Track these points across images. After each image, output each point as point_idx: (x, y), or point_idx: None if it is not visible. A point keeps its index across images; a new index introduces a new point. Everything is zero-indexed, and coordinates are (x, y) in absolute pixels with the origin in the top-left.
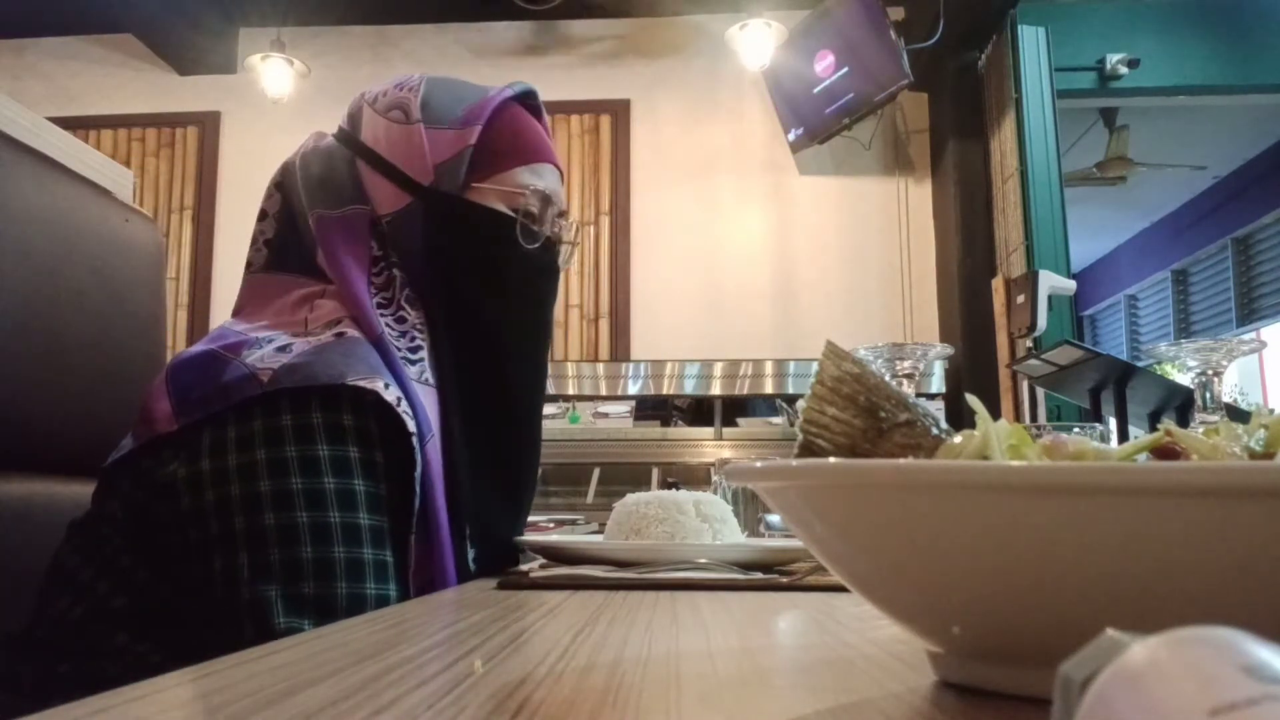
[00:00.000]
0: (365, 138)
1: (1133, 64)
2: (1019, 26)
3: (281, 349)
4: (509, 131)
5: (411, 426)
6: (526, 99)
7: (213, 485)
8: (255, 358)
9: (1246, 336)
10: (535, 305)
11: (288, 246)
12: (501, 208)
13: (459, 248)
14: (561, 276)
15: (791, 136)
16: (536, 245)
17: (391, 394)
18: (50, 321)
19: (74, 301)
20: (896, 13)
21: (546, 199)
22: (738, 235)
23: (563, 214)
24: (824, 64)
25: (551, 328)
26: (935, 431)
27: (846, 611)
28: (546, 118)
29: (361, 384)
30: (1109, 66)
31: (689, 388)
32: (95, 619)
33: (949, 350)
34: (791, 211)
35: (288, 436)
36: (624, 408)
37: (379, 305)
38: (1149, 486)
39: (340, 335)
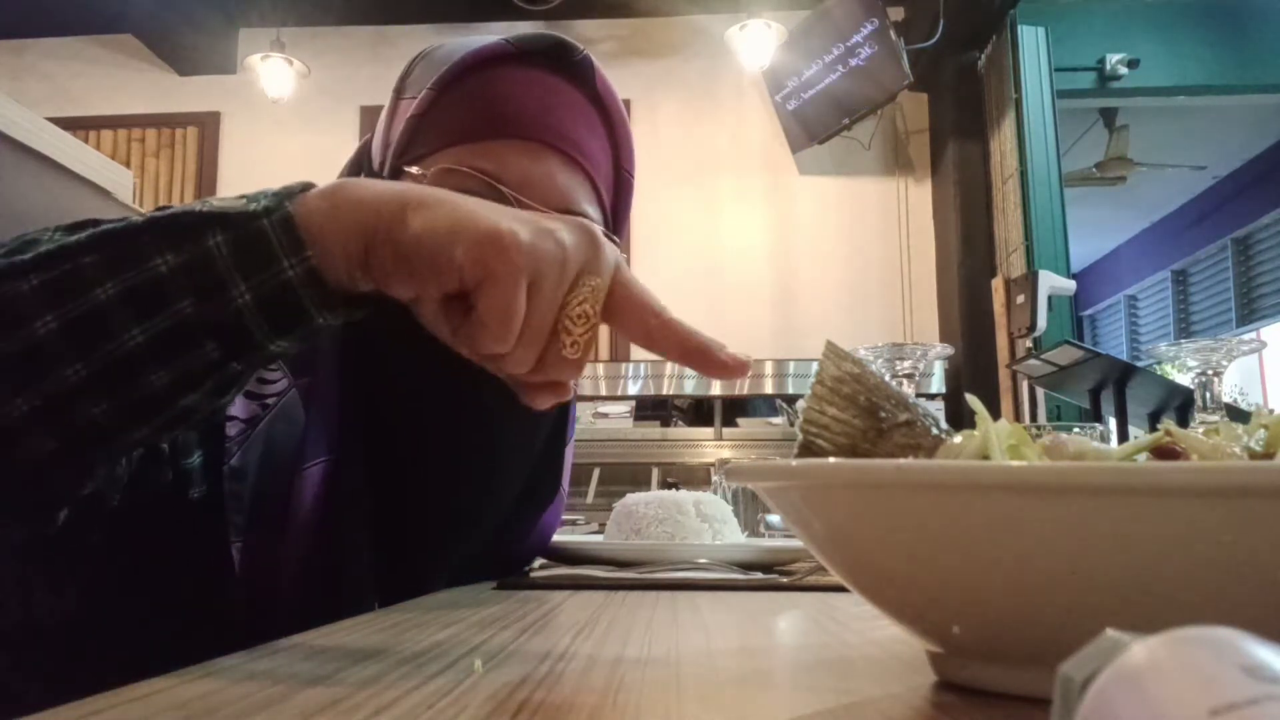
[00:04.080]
0: None
1: (1133, 64)
2: (1019, 26)
3: None
4: (471, 98)
5: None
6: (553, 54)
7: None
8: None
9: (1246, 336)
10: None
11: None
12: None
13: None
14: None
15: (791, 137)
16: None
17: None
18: None
19: None
20: (896, 13)
21: (491, 187)
22: (738, 235)
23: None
24: (824, 64)
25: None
26: (935, 431)
27: (846, 611)
28: (604, 77)
29: None
30: (1109, 66)
31: (689, 388)
32: None
33: (949, 350)
34: (791, 211)
35: None
36: (624, 408)
37: None
38: (1149, 486)
39: None
